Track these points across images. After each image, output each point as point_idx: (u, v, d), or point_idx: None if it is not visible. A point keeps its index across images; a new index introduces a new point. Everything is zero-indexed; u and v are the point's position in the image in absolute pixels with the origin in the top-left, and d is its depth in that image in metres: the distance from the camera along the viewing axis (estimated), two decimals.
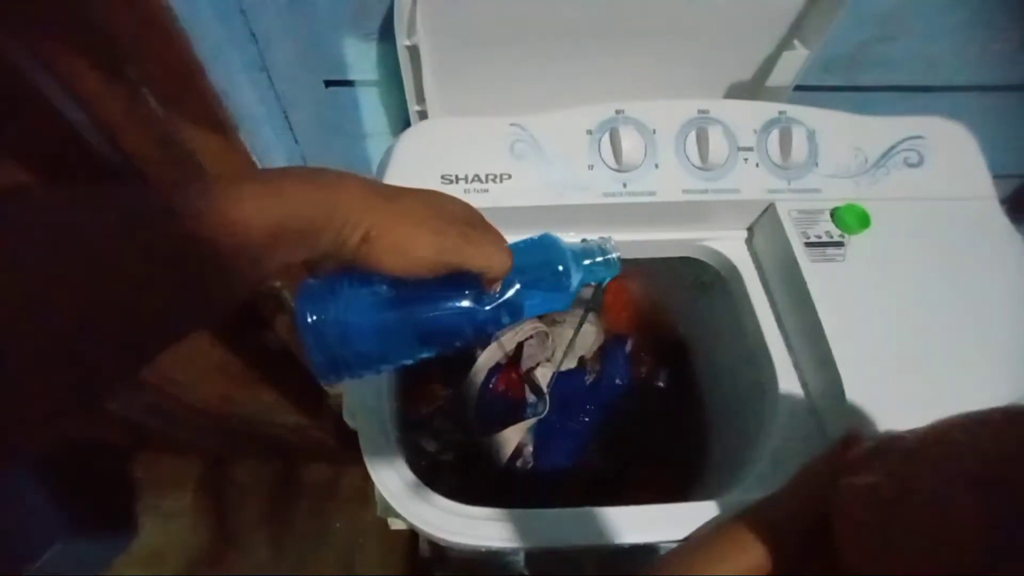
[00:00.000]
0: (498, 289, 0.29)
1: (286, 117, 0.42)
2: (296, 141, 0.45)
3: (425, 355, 0.31)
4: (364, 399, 0.45)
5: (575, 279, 0.32)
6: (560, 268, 0.31)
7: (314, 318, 0.27)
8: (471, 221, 0.28)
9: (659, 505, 0.43)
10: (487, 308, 0.30)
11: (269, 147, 0.41)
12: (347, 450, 0.83)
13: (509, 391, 0.67)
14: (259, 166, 0.41)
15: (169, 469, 1.13)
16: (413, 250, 0.26)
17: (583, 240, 0.34)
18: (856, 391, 0.42)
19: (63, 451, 0.90)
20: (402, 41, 0.47)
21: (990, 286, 0.49)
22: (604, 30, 0.50)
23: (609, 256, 0.34)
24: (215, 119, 0.35)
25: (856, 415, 0.42)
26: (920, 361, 0.45)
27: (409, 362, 0.31)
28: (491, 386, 0.67)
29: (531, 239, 0.33)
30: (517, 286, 0.30)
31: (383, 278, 0.27)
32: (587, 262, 0.33)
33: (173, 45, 0.29)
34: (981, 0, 0.54)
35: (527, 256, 0.31)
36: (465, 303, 0.29)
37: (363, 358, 0.29)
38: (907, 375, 0.44)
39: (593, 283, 0.34)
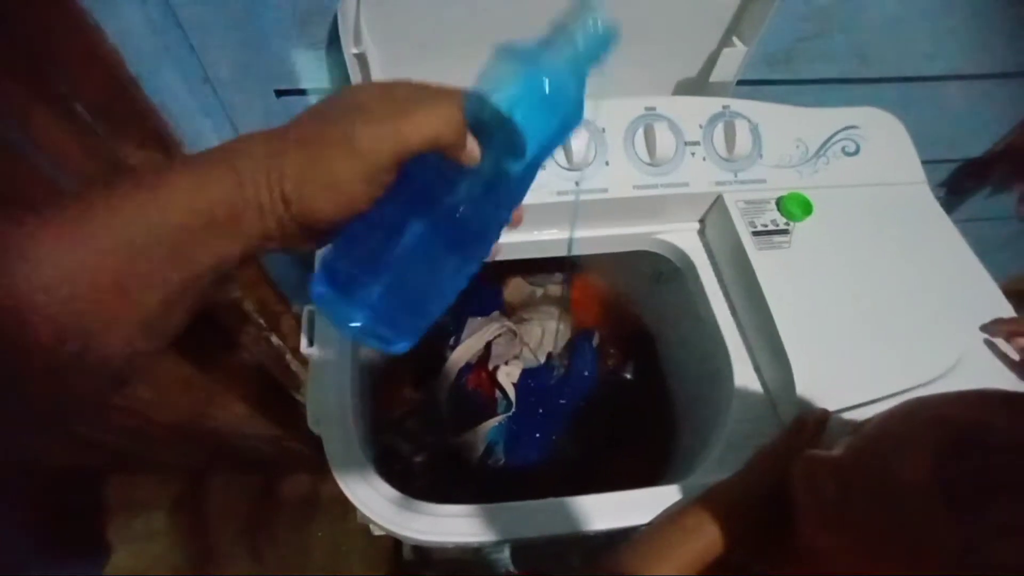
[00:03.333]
0: (475, 155, 0.23)
1: (235, 129, 0.42)
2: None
3: (474, 268, 0.26)
4: (327, 405, 0.45)
5: (572, 83, 0.24)
6: (547, 84, 0.23)
7: (358, 322, 0.23)
8: (394, 96, 0.22)
9: (626, 491, 0.45)
10: (500, 175, 0.24)
11: None
12: (324, 458, 0.82)
13: (479, 389, 0.68)
14: None
15: (144, 489, 1.10)
16: (341, 172, 0.21)
17: (551, 29, 0.24)
18: (804, 372, 0.45)
19: (34, 477, 0.88)
20: (349, 50, 0.47)
21: (924, 265, 0.52)
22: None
23: (594, 27, 0.23)
24: (154, 134, 0.35)
25: (805, 395, 0.44)
26: (862, 340, 0.47)
27: (463, 285, 0.26)
28: (462, 385, 0.68)
29: (490, 69, 0.24)
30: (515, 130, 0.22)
31: (376, 218, 0.23)
32: (572, 51, 0.23)
33: (103, 61, 0.29)
34: None
35: (504, 88, 0.23)
36: (473, 184, 0.24)
37: (421, 306, 0.25)
38: (851, 354, 0.46)
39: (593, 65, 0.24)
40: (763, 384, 0.49)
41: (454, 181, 0.24)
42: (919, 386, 0.45)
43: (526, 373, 0.67)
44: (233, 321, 0.58)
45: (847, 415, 0.44)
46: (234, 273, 0.52)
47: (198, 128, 0.37)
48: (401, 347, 0.25)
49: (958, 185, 0.86)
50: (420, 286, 0.25)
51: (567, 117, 0.24)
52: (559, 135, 0.25)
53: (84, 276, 0.18)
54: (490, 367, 0.67)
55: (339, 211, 0.22)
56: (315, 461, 1.05)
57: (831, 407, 0.44)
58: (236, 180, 0.20)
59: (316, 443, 0.46)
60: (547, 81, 0.23)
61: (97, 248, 0.18)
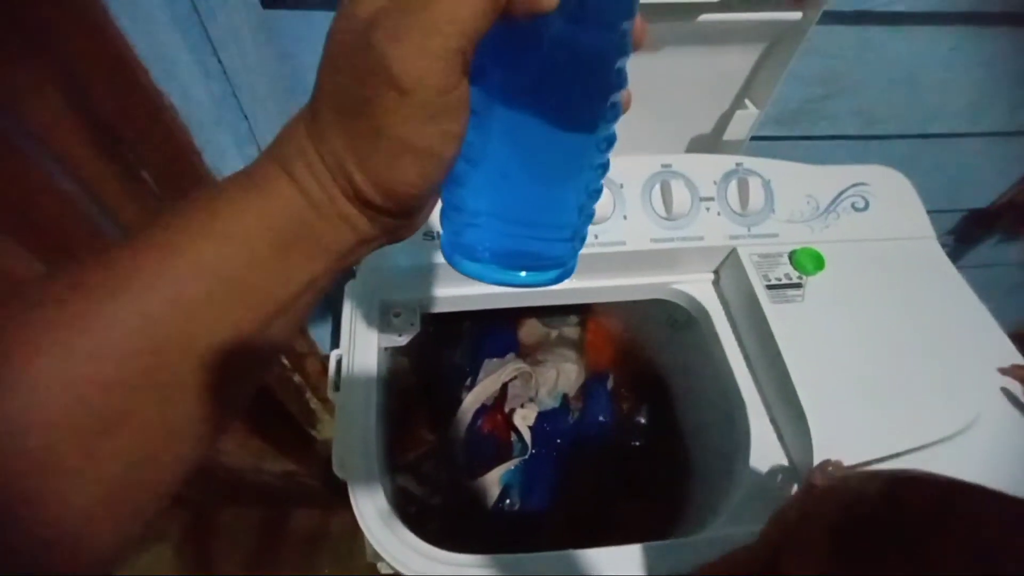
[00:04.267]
0: None
1: None
2: None
3: (611, 128, 0.20)
4: (353, 451, 0.46)
5: None
6: None
7: (518, 280, 0.20)
8: None
9: (640, 545, 0.45)
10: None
11: None
12: (336, 495, 0.83)
13: (495, 432, 0.68)
14: None
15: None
16: (399, 125, 0.16)
17: None
18: (821, 428, 0.45)
19: None
20: None
21: (937, 319, 0.53)
22: None
23: None
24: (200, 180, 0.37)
25: (823, 453, 0.45)
26: (879, 396, 0.48)
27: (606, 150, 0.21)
28: (477, 428, 0.69)
29: None
30: None
31: (472, 149, 0.18)
32: None
33: (173, 133, 0.32)
34: (910, 59, 0.60)
35: None
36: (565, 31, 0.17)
37: (572, 210, 0.21)
38: (868, 410, 0.47)
39: None
40: (780, 439, 0.50)
41: (538, 44, 0.18)
42: (938, 442, 0.46)
43: (542, 416, 0.68)
44: None
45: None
46: None
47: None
48: (571, 269, 0.22)
49: (966, 234, 0.88)
50: (559, 192, 0.21)
51: None
52: None
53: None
54: (506, 409, 0.68)
55: (424, 171, 0.17)
56: (325, 497, 1.05)
57: (845, 459, 0.45)
58: (296, 189, 0.17)
59: (328, 478, 0.46)
60: None
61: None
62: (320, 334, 0.61)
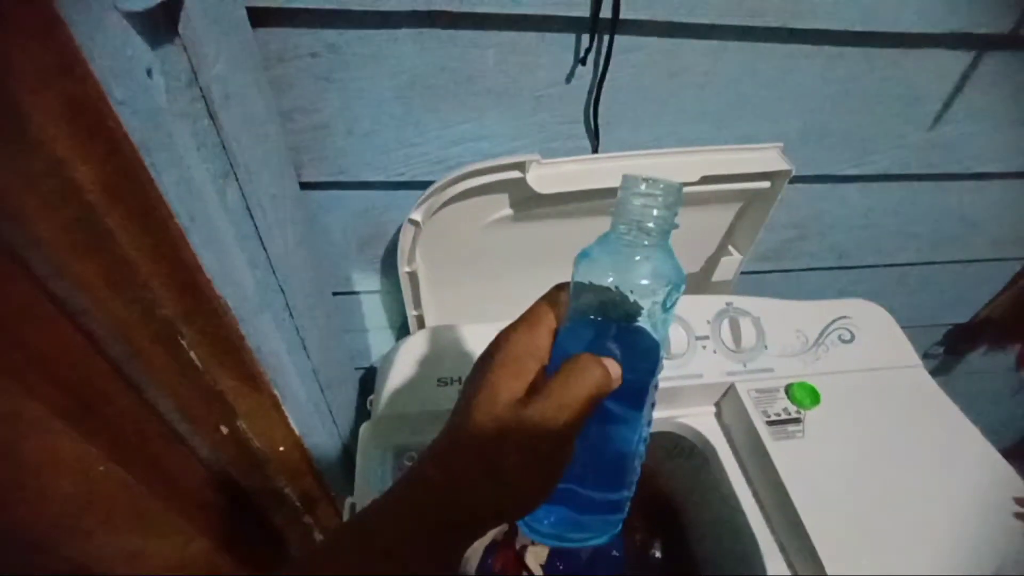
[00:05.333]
0: (618, 373, 0.24)
1: (303, 345, 0.49)
2: (308, 356, 0.51)
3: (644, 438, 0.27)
4: None
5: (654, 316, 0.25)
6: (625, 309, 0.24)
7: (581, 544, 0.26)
8: (536, 450, 0.23)
9: None
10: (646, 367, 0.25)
11: (286, 373, 0.47)
12: None
13: (506, 572, 0.66)
14: (279, 394, 0.46)
15: None
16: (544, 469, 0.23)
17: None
18: (833, 565, 0.45)
19: None
20: (403, 268, 0.55)
21: (938, 452, 0.54)
22: (576, 249, 0.60)
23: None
24: (252, 372, 0.41)
25: None
26: (890, 533, 0.48)
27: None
28: (488, 566, 0.67)
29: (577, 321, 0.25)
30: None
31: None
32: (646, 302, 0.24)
33: (210, 302, 0.36)
34: (870, 207, 0.67)
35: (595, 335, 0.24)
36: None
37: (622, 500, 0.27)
38: (881, 552, 0.47)
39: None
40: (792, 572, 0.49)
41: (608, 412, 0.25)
42: None
43: (554, 554, 0.66)
44: (271, 506, 0.59)
45: None
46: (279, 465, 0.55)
47: (276, 351, 0.44)
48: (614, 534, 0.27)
49: (952, 347, 0.91)
50: (617, 488, 0.27)
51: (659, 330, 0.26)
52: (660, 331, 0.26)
53: None
54: (517, 547, 0.67)
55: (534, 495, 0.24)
56: None
57: None
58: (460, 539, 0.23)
59: None
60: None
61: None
62: (333, 477, 0.62)
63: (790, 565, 0.50)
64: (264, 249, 0.41)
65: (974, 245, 0.73)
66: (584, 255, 0.26)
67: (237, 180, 0.37)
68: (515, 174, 0.48)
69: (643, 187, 0.24)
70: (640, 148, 0.51)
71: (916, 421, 0.57)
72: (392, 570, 0.22)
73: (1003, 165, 0.64)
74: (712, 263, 0.64)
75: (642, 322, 0.25)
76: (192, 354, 0.37)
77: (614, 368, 0.24)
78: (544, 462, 0.23)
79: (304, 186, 0.53)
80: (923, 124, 0.59)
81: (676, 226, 0.24)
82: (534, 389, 0.24)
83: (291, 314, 0.47)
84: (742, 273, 0.68)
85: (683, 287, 0.25)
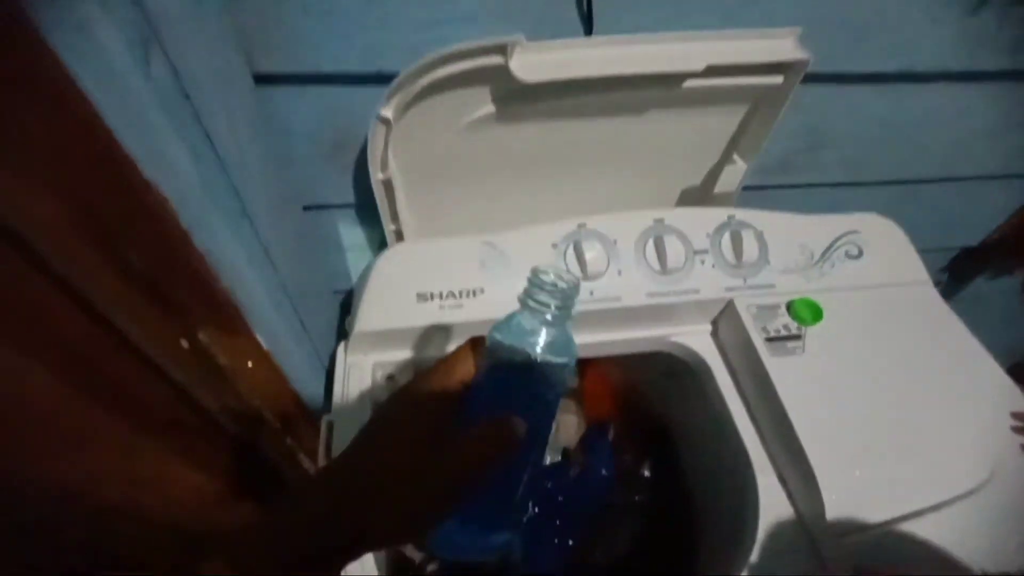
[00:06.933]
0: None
1: (267, 255, 0.45)
2: (276, 268, 0.48)
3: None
4: None
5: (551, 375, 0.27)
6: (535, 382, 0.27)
7: (486, 556, 0.26)
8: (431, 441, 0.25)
9: None
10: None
11: (247, 284, 0.43)
12: None
13: None
14: (240, 306, 0.43)
15: None
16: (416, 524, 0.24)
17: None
18: (833, 490, 0.44)
19: None
20: (376, 175, 0.50)
21: (940, 367, 0.52)
22: (563, 158, 0.55)
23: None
24: (204, 278, 0.37)
25: (835, 516, 0.43)
26: (889, 451, 0.47)
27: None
28: None
29: (481, 382, 0.27)
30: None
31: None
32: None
33: (159, 218, 0.32)
34: (890, 114, 0.61)
35: (501, 393, 0.27)
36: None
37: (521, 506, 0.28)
38: (876, 463, 0.46)
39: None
40: (789, 497, 0.48)
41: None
42: (956, 498, 0.45)
43: (542, 472, 0.66)
44: (251, 428, 0.58)
45: (882, 533, 0.43)
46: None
47: (236, 262, 0.40)
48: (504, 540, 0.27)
49: (960, 270, 0.88)
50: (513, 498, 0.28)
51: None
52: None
53: None
54: None
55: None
56: None
57: (861, 524, 0.43)
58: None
59: None
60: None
61: None
62: (311, 395, 0.60)
63: (781, 480, 0.49)
64: (209, 140, 0.36)
65: (991, 160, 0.68)
66: (496, 327, 0.28)
67: (163, 51, 0.32)
68: (496, 59, 0.42)
69: (547, 283, 0.28)
70: (640, 32, 0.45)
71: (919, 337, 0.54)
72: None
73: None
74: (714, 174, 0.59)
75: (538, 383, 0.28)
76: (133, 256, 0.33)
77: (520, 429, 0.25)
78: (426, 498, 0.24)
79: (260, 80, 0.47)
80: (964, 6, 0.52)
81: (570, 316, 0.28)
82: (438, 434, 0.25)
83: (251, 222, 0.43)
84: (745, 189, 0.63)
85: (574, 362, 0.28)
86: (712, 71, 0.46)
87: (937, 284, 0.86)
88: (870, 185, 0.69)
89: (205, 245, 0.36)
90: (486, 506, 0.26)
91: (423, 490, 0.24)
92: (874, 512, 0.43)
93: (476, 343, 0.28)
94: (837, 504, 0.43)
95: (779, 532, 0.47)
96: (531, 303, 0.28)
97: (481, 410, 0.26)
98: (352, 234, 0.63)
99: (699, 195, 0.61)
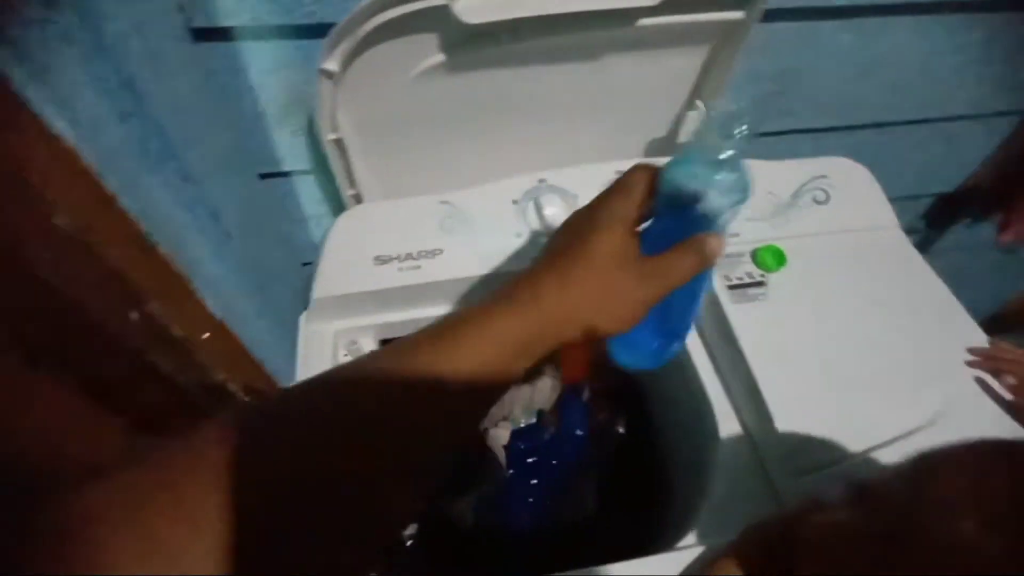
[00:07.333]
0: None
1: (218, 219, 0.44)
2: (229, 235, 0.47)
3: None
4: None
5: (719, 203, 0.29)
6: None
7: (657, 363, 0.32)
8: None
9: (620, 564, 0.44)
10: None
11: (191, 251, 0.42)
12: None
13: (468, 454, 0.66)
14: (188, 276, 0.42)
15: None
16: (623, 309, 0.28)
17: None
18: (787, 426, 0.44)
19: None
20: (326, 135, 0.49)
21: (902, 309, 0.52)
22: (520, 108, 0.53)
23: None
24: (141, 244, 0.36)
25: (789, 449, 0.44)
26: (845, 390, 0.47)
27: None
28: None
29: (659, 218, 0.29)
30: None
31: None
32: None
33: (81, 179, 0.31)
34: (861, 52, 0.59)
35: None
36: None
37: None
38: (834, 405, 0.46)
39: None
40: (748, 437, 0.49)
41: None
42: (906, 434, 0.45)
43: (516, 434, 0.66)
44: (218, 400, 0.57)
45: (838, 471, 0.43)
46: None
47: (174, 225, 0.38)
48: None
49: (937, 218, 0.88)
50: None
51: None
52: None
53: None
54: (479, 428, 0.67)
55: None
56: None
57: (818, 462, 0.44)
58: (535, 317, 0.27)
59: None
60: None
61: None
62: (280, 367, 0.60)
63: (744, 426, 0.49)
64: (139, 98, 0.34)
65: (965, 99, 0.67)
66: (671, 166, 0.29)
67: None
68: (437, 1, 0.40)
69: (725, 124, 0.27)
70: None
71: (883, 280, 0.54)
72: (506, 365, 0.26)
73: None
74: (679, 121, 0.57)
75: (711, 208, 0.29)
76: (60, 220, 0.32)
77: (718, 246, 0.29)
78: (642, 302, 0.28)
79: (199, 36, 0.45)
80: None
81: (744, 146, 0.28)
82: (635, 248, 0.28)
83: (196, 186, 0.41)
84: None
85: (748, 196, 0.29)
86: (668, 6, 0.44)
87: (915, 232, 0.86)
88: (842, 130, 0.67)
89: (137, 209, 0.35)
90: (667, 317, 0.30)
91: (635, 294, 0.28)
92: (830, 451, 0.44)
93: (647, 170, 0.30)
94: (794, 444, 0.44)
95: (740, 477, 0.47)
96: (707, 143, 0.28)
97: (661, 236, 0.29)
98: (314, 202, 0.62)
99: (665, 146, 0.60)
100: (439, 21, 0.42)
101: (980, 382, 0.47)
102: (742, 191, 0.29)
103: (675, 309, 0.31)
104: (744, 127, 0.28)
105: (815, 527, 0.32)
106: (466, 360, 0.24)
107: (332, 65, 0.43)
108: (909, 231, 0.90)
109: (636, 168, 0.30)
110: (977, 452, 0.26)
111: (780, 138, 0.67)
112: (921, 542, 0.26)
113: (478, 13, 0.41)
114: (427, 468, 0.24)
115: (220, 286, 0.45)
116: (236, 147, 0.52)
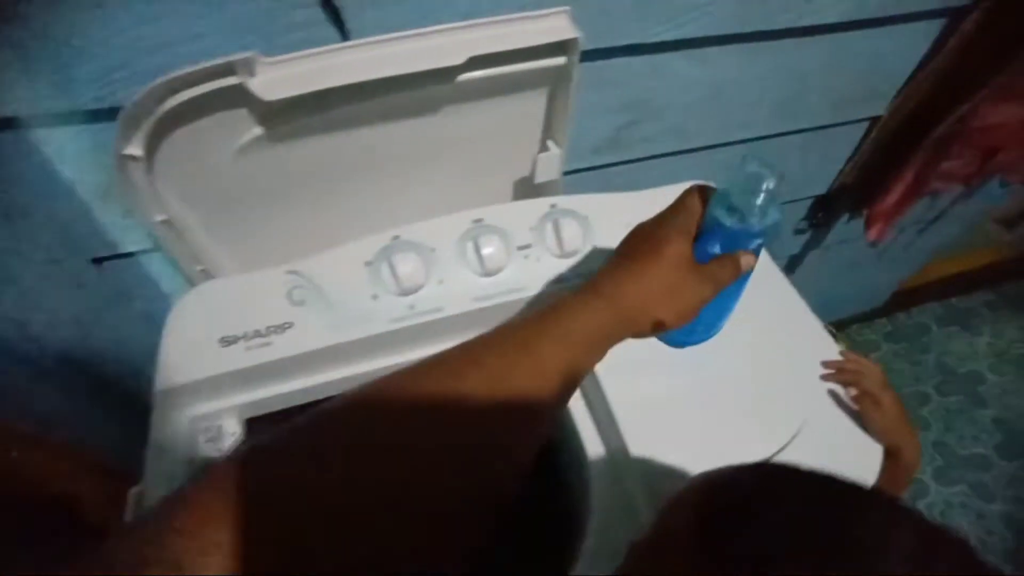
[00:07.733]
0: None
1: (22, 328, 0.40)
2: (38, 343, 0.43)
3: None
4: None
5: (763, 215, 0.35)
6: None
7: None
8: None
9: None
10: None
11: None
12: None
13: None
14: None
15: None
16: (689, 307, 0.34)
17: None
18: (642, 451, 0.44)
19: None
20: (152, 218, 0.46)
21: (760, 325, 0.53)
22: (364, 168, 0.52)
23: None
24: None
25: (643, 475, 0.44)
26: (702, 412, 0.47)
27: None
28: None
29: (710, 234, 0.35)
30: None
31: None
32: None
33: None
34: (704, 78, 0.61)
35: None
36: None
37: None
38: (692, 430, 0.46)
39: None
40: (615, 471, 0.48)
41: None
42: (773, 455, 0.46)
43: None
44: (87, 513, 0.53)
45: None
46: None
47: None
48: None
49: (817, 219, 0.92)
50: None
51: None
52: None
53: None
54: None
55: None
56: None
57: (674, 485, 0.43)
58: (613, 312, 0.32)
59: None
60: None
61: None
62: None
63: (611, 457, 0.49)
64: None
65: (817, 110, 0.70)
66: (716, 202, 0.35)
67: None
68: (230, 80, 0.39)
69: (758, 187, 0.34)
70: (407, 28, 0.42)
71: (749, 305, 0.55)
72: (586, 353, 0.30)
73: (832, 14, 0.59)
74: (533, 164, 0.57)
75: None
76: None
77: (752, 261, 0.36)
78: (700, 301, 0.34)
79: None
80: None
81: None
82: (691, 256, 0.34)
83: None
84: (581, 171, 0.62)
85: (779, 219, 0.36)
86: (484, 61, 0.44)
87: (802, 232, 0.89)
88: (702, 150, 0.69)
89: None
90: (711, 313, 0.39)
91: (695, 292, 0.34)
92: (683, 475, 0.44)
93: (701, 190, 0.36)
94: (647, 468, 0.44)
95: (610, 502, 0.46)
96: (743, 191, 0.34)
97: (710, 249, 0.35)
98: (169, 279, 0.58)
99: (522, 187, 0.60)
100: (239, 97, 0.40)
101: (833, 395, 0.49)
102: (775, 222, 0.35)
103: (712, 308, 0.37)
104: (771, 183, 0.34)
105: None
106: (553, 356, 0.28)
107: (134, 150, 0.41)
108: (797, 233, 0.94)
109: (692, 189, 0.36)
110: (707, 481, 0.27)
111: (644, 164, 0.68)
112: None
113: (276, 89, 0.39)
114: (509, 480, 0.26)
115: (25, 397, 0.41)
116: (66, 234, 0.48)
